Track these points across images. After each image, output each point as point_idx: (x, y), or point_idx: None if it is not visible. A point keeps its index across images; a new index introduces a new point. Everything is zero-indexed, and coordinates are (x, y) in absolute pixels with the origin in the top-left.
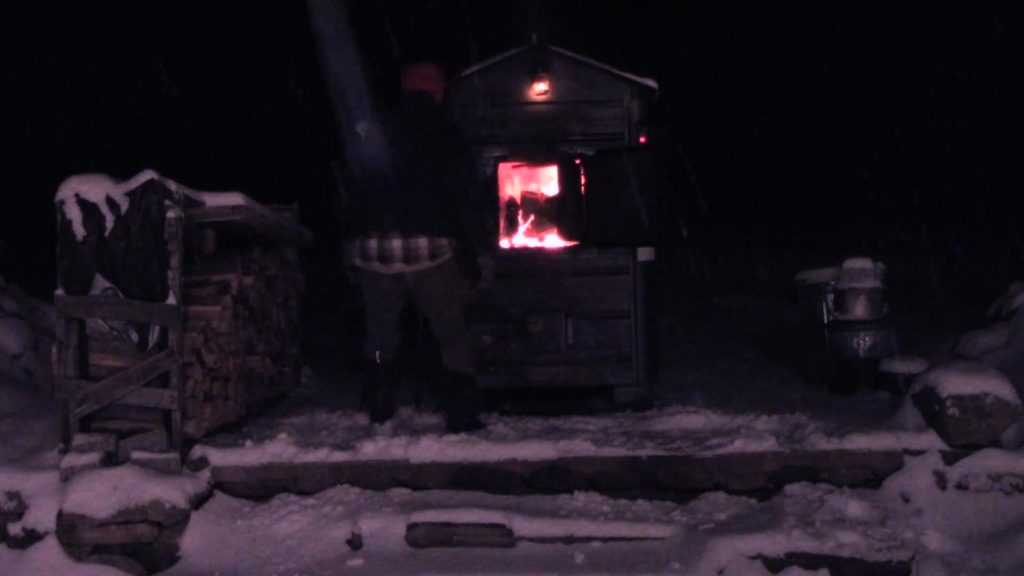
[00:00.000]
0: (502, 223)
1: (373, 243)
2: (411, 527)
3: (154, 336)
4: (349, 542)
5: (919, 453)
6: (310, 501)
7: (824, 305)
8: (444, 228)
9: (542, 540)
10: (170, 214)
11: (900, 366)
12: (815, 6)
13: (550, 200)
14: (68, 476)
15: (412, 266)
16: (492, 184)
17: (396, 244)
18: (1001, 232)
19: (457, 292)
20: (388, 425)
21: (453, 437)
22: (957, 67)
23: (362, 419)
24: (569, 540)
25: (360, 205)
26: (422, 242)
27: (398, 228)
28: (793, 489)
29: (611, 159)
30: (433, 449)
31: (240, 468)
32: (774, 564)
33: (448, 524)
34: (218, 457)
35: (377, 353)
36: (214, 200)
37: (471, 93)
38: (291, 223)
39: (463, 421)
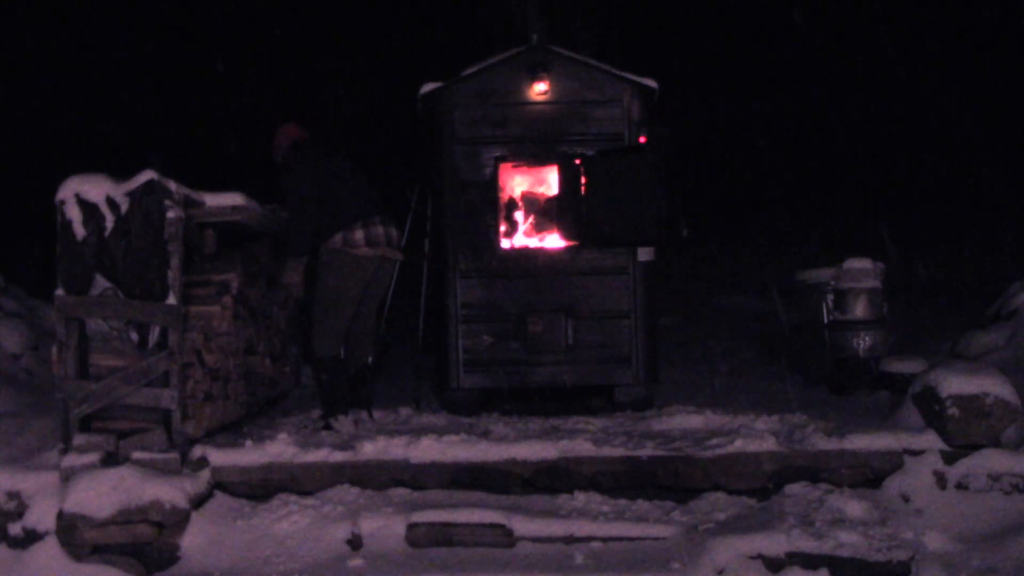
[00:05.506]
0: (502, 223)
1: (379, 229)
2: (411, 527)
3: (154, 336)
4: (349, 542)
5: (919, 453)
6: (310, 501)
7: (824, 305)
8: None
9: (542, 540)
10: (170, 214)
11: (900, 366)
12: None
13: (550, 200)
14: (68, 476)
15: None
16: (492, 184)
17: (394, 231)
18: (1002, 232)
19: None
20: (350, 418)
21: (453, 437)
22: (956, 65)
23: (363, 416)
24: (569, 540)
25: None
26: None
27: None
28: (793, 489)
29: (611, 159)
30: (433, 449)
31: (240, 468)
32: (774, 564)
33: (448, 524)
34: (218, 457)
35: (342, 349)
36: (214, 200)
37: (471, 93)
38: None
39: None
